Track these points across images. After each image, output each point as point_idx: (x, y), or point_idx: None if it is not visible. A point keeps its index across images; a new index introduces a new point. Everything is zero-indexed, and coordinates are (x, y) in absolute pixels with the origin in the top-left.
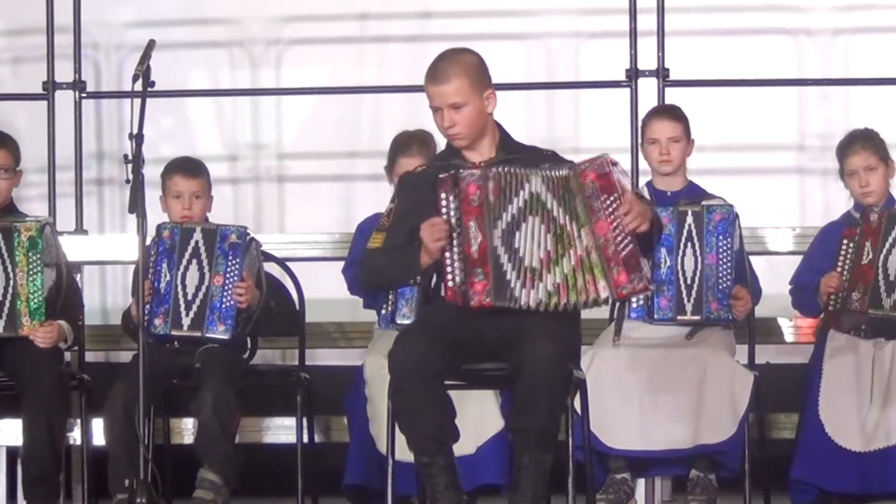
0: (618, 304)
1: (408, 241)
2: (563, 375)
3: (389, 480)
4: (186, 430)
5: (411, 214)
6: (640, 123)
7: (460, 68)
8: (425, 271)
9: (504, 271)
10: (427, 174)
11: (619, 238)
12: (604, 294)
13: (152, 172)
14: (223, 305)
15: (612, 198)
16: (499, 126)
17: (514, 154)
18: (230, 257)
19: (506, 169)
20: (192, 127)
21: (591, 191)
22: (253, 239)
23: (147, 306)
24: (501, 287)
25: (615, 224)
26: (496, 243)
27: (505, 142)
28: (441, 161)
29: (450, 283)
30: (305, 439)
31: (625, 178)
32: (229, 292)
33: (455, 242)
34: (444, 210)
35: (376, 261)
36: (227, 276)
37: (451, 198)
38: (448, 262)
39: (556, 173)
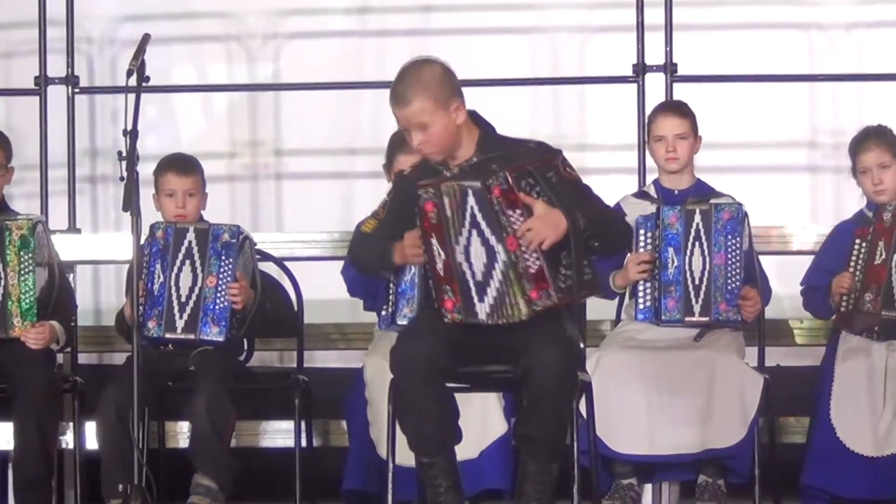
0: (624, 301)
1: (395, 236)
2: (570, 381)
3: (389, 486)
4: (181, 433)
5: (400, 213)
6: (646, 120)
7: (420, 88)
8: (399, 268)
9: (469, 287)
10: (414, 176)
11: (526, 255)
12: (524, 310)
13: (147, 170)
14: (217, 307)
15: (517, 213)
16: (479, 122)
17: (494, 152)
18: (223, 257)
19: (455, 183)
20: (188, 123)
21: (498, 206)
22: (247, 238)
23: (140, 308)
24: (468, 303)
25: (519, 239)
26: (459, 259)
27: (484, 140)
28: (427, 163)
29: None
30: (304, 443)
31: (539, 192)
32: (223, 293)
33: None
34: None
35: (362, 245)
36: (221, 276)
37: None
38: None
39: (476, 185)
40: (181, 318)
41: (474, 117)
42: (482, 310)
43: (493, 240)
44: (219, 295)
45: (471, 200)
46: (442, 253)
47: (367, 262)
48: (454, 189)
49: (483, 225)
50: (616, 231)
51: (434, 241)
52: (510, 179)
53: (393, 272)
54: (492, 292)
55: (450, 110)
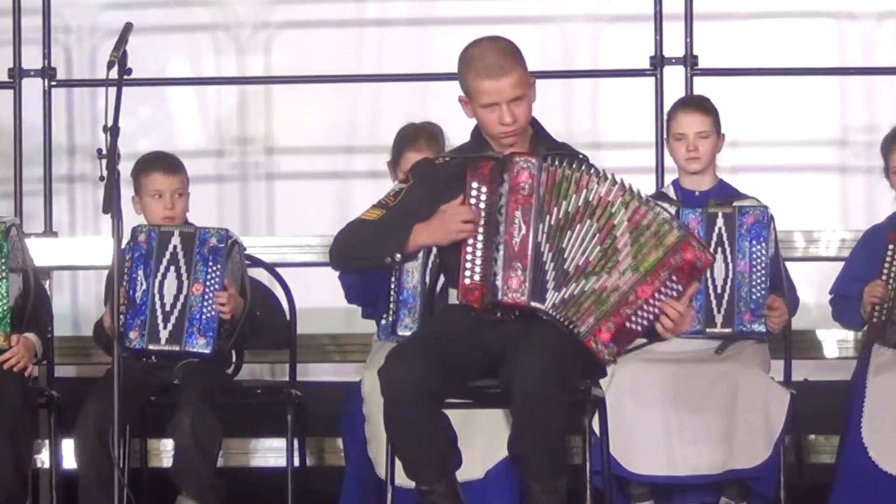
0: None
1: (407, 224)
2: (561, 390)
3: None
4: (165, 451)
5: (422, 203)
6: (665, 116)
7: (515, 58)
8: (410, 255)
9: (545, 270)
10: (450, 166)
11: (643, 313)
12: (582, 329)
13: (128, 169)
14: (203, 317)
15: (677, 286)
16: (532, 118)
17: (546, 150)
18: (210, 263)
19: (562, 163)
20: (173, 119)
21: (676, 262)
22: (236, 242)
23: (122, 317)
24: (538, 286)
25: (654, 300)
26: (540, 239)
27: (539, 137)
28: (469, 153)
29: (467, 280)
30: (297, 462)
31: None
32: (210, 302)
33: (480, 234)
34: (472, 200)
35: (362, 230)
36: (208, 284)
37: (482, 188)
38: (469, 255)
39: (661, 214)
40: (165, 328)
41: None
42: (554, 297)
43: (625, 257)
44: (205, 304)
45: (615, 198)
46: (524, 227)
47: (367, 249)
48: (581, 175)
49: (625, 235)
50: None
51: (519, 213)
52: (705, 267)
53: (401, 262)
54: (573, 288)
55: (531, 86)
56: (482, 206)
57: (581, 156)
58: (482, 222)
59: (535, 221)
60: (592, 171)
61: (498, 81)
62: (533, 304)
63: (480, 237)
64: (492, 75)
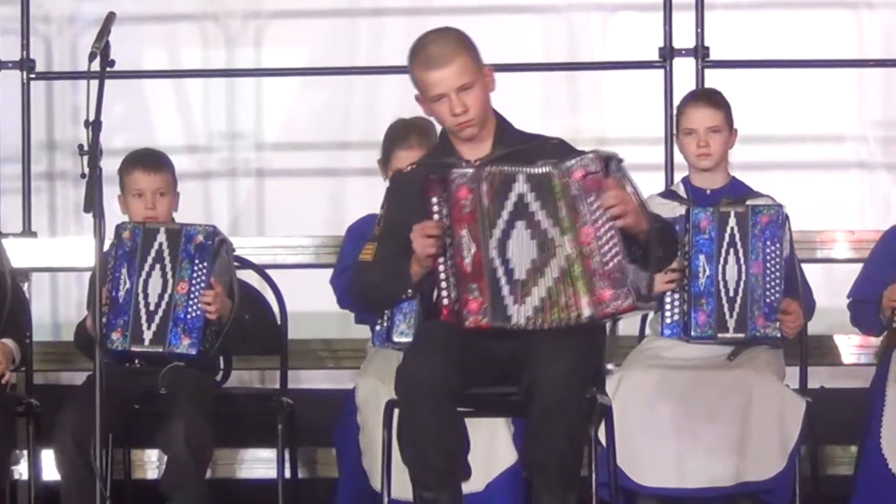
0: (649, 315)
1: (402, 252)
2: (583, 397)
3: None
4: (150, 463)
5: (403, 220)
6: (674, 110)
7: (458, 45)
8: (419, 283)
9: (500, 286)
10: (419, 174)
11: (606, 248)
12: (586, 312)
13: (112, 166)
14: (188, 316)
15: (595, 199)
16: (495, 113)
17: (513, 147)
18: (196, 261)
19: (497, 168)
20: (158, 113)
21: (576, 191)
22: (224, 240)
23: (104, 318)
24: (498, 304)
25: (601, 231)
26: (492, 254)
27: (503, 133)
28: (433, 159)
29: (444, 301)
30: (288, 474)
31: (624, 180)
32: (195, 301)
33: (448, 254)
34: (435, 216)
35: (367, 275)
36: (193, 282)
37: (442, 202)
38: (442, 276)
39: (538, 171)
40: (149, 328)
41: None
42: (519, 312)
43: (552, 231)
44: (191, 303)
45: (520, 187)
46: (473, 246)
47: (381, 291)
48: (495, 174)
49: (539, 215)
50: (676, 242)
51: (465, 231)
52: (600, 162)
53: (416, 293)
54: (539, 291)
55: (483, 73)
56: (446, 219)
57: (554, 141)
58: (449, 240)
59: (485, 236)
60: (514, 167)
61: (441, 70)
62: (496, 324)
63: (450, 252)
64: (435, 65)
